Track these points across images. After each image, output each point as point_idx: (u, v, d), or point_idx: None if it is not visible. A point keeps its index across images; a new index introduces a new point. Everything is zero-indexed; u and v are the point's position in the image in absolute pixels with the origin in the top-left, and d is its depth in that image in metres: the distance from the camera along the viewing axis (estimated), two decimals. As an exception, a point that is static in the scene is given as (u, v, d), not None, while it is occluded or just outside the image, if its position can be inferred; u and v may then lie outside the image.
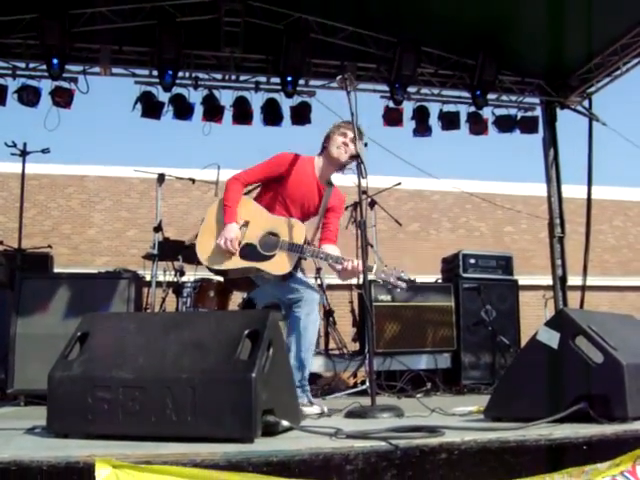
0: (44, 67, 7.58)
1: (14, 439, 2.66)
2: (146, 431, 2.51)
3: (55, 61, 7.40)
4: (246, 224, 4.22)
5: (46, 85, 7.78)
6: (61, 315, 5.28)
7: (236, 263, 4.15)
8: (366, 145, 4.70)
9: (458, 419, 3.32)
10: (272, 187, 4.34)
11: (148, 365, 2.66)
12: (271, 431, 2.56)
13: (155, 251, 6.41)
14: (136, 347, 2.75)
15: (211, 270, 4.28)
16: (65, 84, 7.81)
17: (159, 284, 6.53)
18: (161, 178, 6.78)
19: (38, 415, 2.90)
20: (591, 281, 9.13)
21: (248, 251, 4.15)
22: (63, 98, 7.77)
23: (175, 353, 2.68)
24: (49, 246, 7.69)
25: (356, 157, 3.91)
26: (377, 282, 4.15)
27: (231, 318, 2.97)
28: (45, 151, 7.31)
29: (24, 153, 7.13)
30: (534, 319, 10.19)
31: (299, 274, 4.32)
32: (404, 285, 4.06)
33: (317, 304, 4.24)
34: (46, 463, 2.09)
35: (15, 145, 7.10)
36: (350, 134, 4.25)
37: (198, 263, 4.41)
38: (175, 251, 6.64)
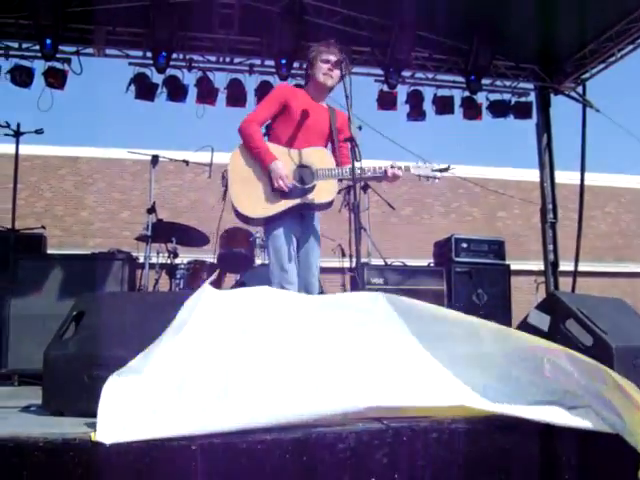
0: (37, 47, 7.54)
1: (10, 417, 2.68)
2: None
3: (48, 41, 7.35)
4: None
5: (39, 66, 7.75)
6: (55, 296, 5.30)
7: (283, 205, 4.05)
8: (360, 128, 4.71)
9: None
10: (282, 123, 4.22)
11: (142, 343, 2.67)
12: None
13: (148, 233, 6.39)
14: (131, 326, 2.76)
15: (255, 221, 4.20)
16: (58, 65, 7.77)
17: (152, 266, 6.52)
18: (155, 160, 6.75)
19: (32, 395, 2.93)
20: (583, 267, 9.19)
21: (288, 190, 4.04)
22: (56, 79, 7.73)
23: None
24: (42, 227, 7.63)
25: (350, 140, 3.92)
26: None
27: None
28: (39, 132, 7.23)
29: (18, 134, 7.06)
30: (525, 304, 10.21)
31: None
32: (439, 175, 4.26)
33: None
34: (42, 439, 2.11)
35: (9, 125, 7.04)
36: (333, 58, 4.21)
37: (245, 221, 4.22)
38: (168, 233, 6.63)
